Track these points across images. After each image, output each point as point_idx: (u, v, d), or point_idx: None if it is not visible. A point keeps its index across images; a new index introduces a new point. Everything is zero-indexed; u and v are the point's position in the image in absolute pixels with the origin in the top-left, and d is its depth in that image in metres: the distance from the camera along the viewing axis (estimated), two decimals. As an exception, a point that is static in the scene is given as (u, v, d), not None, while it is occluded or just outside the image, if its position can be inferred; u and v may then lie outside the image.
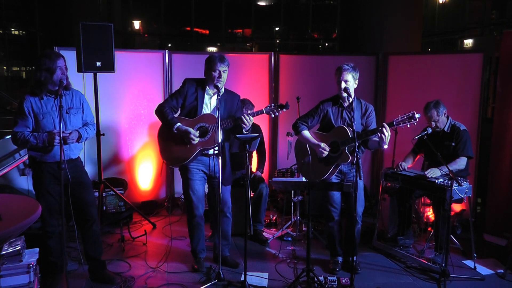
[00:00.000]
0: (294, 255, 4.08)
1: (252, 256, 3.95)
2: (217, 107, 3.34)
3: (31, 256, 2.97)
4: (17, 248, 2.89)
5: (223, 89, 3.49)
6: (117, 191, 4.72)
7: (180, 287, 3.44)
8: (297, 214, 4.50)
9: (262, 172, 4.74)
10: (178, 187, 5.30)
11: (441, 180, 3.68)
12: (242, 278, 3.35)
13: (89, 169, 4.37)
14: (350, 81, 3.51)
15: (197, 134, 3.47)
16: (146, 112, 5.24)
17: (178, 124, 3.46)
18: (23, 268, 2.86)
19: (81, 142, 3.24)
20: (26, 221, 2.13)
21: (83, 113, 3.31)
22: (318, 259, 3.97)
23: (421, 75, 5.15)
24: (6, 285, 2.81)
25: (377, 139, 3.40)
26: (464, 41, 14.48)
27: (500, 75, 4.51)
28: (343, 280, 3.49)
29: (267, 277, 3.60)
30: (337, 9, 16.06)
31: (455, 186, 3.56)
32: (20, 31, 16.51)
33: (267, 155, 5.02)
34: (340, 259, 3.81)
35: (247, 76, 5.47)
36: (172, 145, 3.55)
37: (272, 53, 5.54)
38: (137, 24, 16.92)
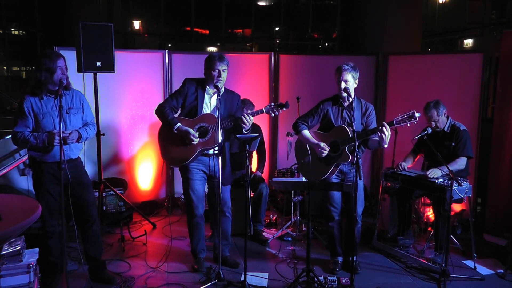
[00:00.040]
0: (294, 255, 4.08)
1: (252, 256, 3.95)
2: (217, 107, 3.34)
3: (31, 256, 2.97)
4: (17, 248, 2.89)
5: (223, 89, 3.49)
6: (117, 191, 4.72)
7: (180, 287, 3.44)
8: (297, 214, 4.50)
9: (262, 172, 4.74)
10: (178, 187, 5.30)
11: (441, 180, 3.68)
12: (242, 278, 3.35)
13: (89, 169, 4.37)
14: (350, 81, 3.50)
15: (197, 135, 3.47)
16: (146, 112, 5.25)
17: (178, 124, 3.46)
18: (23, 268, 2.86)
19: (81, 142, 3.24)
20: (26, 221, 2.13)
21: (83, 113, 3.31)
22: (318, 259, 3.97)
23: (421, 75, 5.15)
24: (6, 285, 2.81)
25: (377, 139, 3.40)
26: (464, 41, 14.48)
27: (500, 75, 4.51)
28: (343, 280, 3.49)
29: (267, 277, 3.60)
30: (337, 9, 16.07)
31: (455, 186, 3.56)
32: (20, 31, 16.52)
33: (267, 155, 5.02)
34: (340, 259, 3.81)
35: (247, 76, 5.47)
36: (172, 145, 3.55)
37: (272, 53, 5.54)
38: (137, 24, 16.93)
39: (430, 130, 3.89)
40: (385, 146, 3.35)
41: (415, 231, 4.39)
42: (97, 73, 4.45)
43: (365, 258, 4.01)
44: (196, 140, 3.46)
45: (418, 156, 4.25)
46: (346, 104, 3.59)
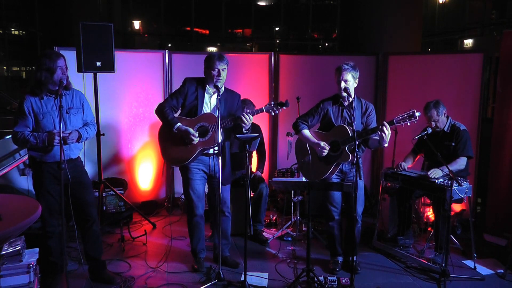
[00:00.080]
0: (294, 255, 4.08)
1: (252, 256, 3.95)
2: (217, 106, 3.34)
3: (31, 256, 2.97)
4: (17, 248, 2.89)
5: (223, 88, 3.49)
6: (117, 191, 4.72)
7: (180, 287, 3.44)
8: (297, 214, 4.50)
9: (262, 172, 4.74)
10: (178, 187, 5.30)
11: (441, 180, 3.68)
12: (242, 278, 3.35)
13: (89, 169, 4.37)
14: (350, 80, 3.50)
15: (197, 134, 3.47)
16: (146, 112, 5.24)
17: (178, 124, 3.46)
18: (23, 268, 2.86)
19: (81, 142, 3.24)
20: (26, 221, 2.13)
21: (83, 113, 3.31)
22: (318, 259, 3.97)
23: (421, 75, 5.15)
24: (6, 285, 2.80)
25: (378, 138, 3.40)
26: (464, 41, 14.48)
27: (500, 75, 4.51)
28: (343, 280, 3.49)
29: (267, 277, 3.60)
30: (337, 9, 16.07)
31: (455, 186, 3.56)
32: (20, 31, 16.52)
33: (267, 155, 5.02)
34: (340, 259, 3.81)
35: (247, 76, 5.47)
36: (172, 145, 3.55)
37: (272, 53, 5.54)
38: (137, 24, 16.93)
39: (430, 130, 3.88)
40: (385, 145, 3.35)
41: (415, 231, 4.39)
42: (97, 73, 4.45)
43: (365, 258, 4.01)
44: (196, 140, 3.46)
45: (418, 156, 4.25)
46: (346, 103, 3.59)
